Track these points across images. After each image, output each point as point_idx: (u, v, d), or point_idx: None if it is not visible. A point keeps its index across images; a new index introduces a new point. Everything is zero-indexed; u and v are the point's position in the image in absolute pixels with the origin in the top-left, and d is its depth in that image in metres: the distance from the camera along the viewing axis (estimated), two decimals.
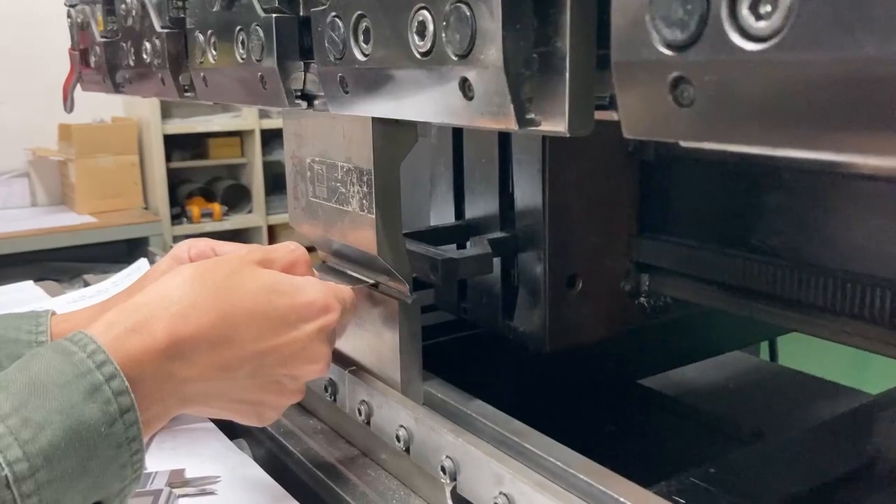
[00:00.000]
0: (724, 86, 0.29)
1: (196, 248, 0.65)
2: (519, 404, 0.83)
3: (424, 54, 0.44)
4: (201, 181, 3.43)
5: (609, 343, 0.81)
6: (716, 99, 0.30)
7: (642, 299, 0.68)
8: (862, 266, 0.55)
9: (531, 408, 0.83)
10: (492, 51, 0.39)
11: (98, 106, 3.21)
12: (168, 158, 3.20)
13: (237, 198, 3.42)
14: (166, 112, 3.18)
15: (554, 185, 0.62)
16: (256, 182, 3.34)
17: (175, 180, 3.29)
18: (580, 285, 0.65)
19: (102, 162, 3.10)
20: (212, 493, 0.64)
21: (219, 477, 0.65)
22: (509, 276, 0.67)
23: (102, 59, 1.04)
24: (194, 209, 3.27)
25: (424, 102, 0.46)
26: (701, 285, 0.64)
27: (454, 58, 0.42)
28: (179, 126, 3.20)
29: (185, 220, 3.28)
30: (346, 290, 0.57)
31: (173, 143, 3.24)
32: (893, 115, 0.24)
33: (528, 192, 0.63)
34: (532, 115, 0.41)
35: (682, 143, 0.33)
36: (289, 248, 0.57)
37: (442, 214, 0.73)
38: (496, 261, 0.66)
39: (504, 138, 0.65)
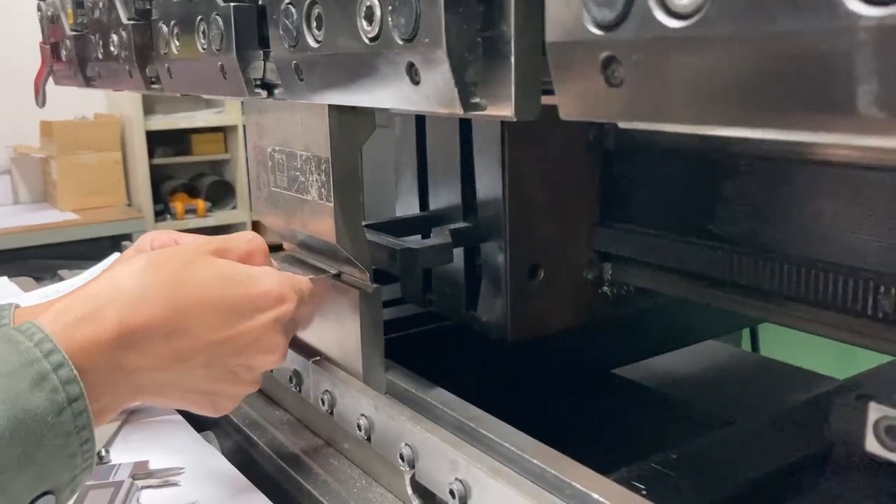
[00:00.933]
0: (652, 65, 0.29)
1: (159, 239, 0.65)
2: (492, 395, 0.83)
3: (372, 39, 0.44)
4: (185, 177, 3.42)
5: (582, 332, 0.82)
6: (644, 78, 0.30)
7: (605, 288, 0.69)
8: (824, 254, 0.55)
9: (504, 399, 0.83)
10: (435, 35, 0.39)
11: (81, 103, 3.19)
12: (151, 155, 3.19)
13: (221, 194, 3.42)
14: (149, 108, 3.16)
15: (514, 174, 0.62)
16: (240, 178, 3.33)
17: (159, 177, 3.28)
18: (542, 275, 0.65)
19: (84, 159, 3.09)
20: (175, 484, 0.64)
21: (183, 468, 0.65)
22: (472, 267, 0.67)
23: (73, 52, 1.03)
24: (178, 205, 3.26)
25: (375, 88, 0.46)
26: (663, 274, 0.64)
27: (400, 42, 0.42)
28: (162, 122, 3.19)
29: (168, 216, 3.27)
30: (303, 280, 0.57)
31: (157, 140, 3.22)
32: (810, 90, 0.25)
33: (488, 182, 0.63)
34: (478, 100, 0.41)
35: (621, 125, 0.33)
36: (246, 238, 0.57)
37: (407, 206, 0.73)
38: (459, 251, 0.66)
39: (465, 128, 0.65)
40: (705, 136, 0.63)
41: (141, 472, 0.64)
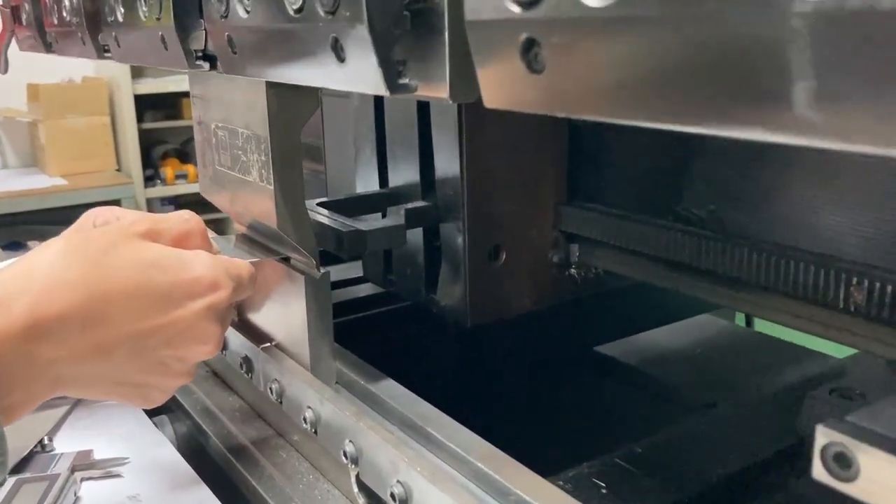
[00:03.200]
0: (572, 49, 0.25)
1: (102, 217, 0.61)
2: (466, 375, 0.80)
3: (297, 11, 0.40)
4: (175, 142, 3.36)
5: (561, 308, 0.78)
6: (566, 64, 0.26)
7: (573, 270, 0.65)
8: (795, 240, 0.52)
9: (477, 378, 0.80)
10: (355, 7, 0.35)
11: (69, 66, 3.13)
12: (140, 119, 3.13)
13: None
14: (137, 71, 3.10)
15: (472, 150, 0.58)
16: None
17: (148, 141, 3.23)
18: (504, 257, 0.61)
19: (72, 123, 3.03)
20: (117, 475, 0.61)
21: (127, 458, 0.62)
22: (432, 248, 0.63)
23: (32, 16, 0.99)
24: (168, 171, 3.22)
25: (303, 65, 0.42)
26: (632, 257, 0.60)
27: (323, 15, 0.38)
28: (151, 85, 3.13)
29: (158, 181, 3.22)
30: (241, 265, 0.53)
31: (147, 104, 3.17)
32: (741, 83, 0.21)
33: (445, 159, 0.59)
34: (406, 80, 0.37)
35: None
36: (182, 219, 0.53)
37: (367, 180, 0.69)
38: (419, 231, 0.63)
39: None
40: None
41: (83, 462, 0.61)
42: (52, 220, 2.99)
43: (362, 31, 0.35)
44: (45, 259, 0.46)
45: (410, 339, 0.78)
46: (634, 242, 0.58)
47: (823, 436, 0.29)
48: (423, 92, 0.38)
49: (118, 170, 3.19)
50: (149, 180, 3.19)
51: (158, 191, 3.20)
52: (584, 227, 0.62)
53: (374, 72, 0.36)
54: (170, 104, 3.26)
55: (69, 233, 0.61)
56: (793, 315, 0.51)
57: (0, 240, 2.92)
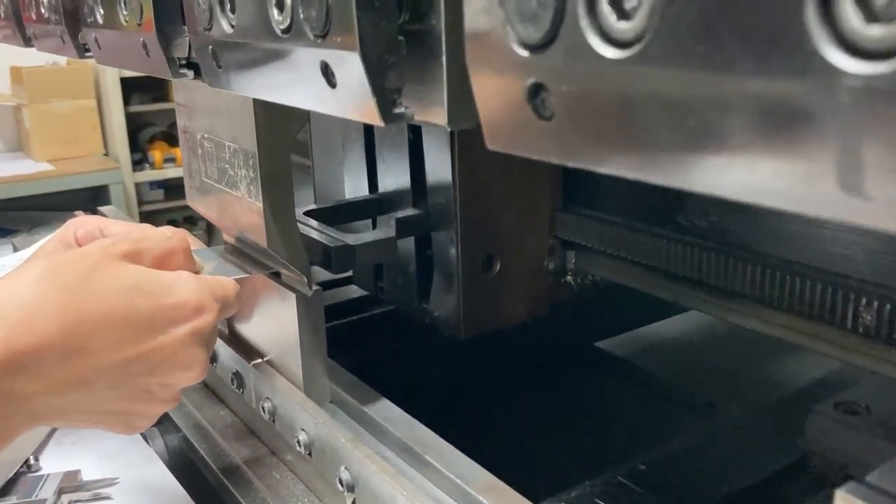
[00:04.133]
0: (584, 99, 0.24)
1: (84, 227, 0.59)
2: (461, 375, 0.79)
3: (285, 31, 0.38)
4: (163, 125, 3.31)
5: (562, 305, 0.77)
6: (576, 113, 0.24)
7: (569, 277, 0.63)
8: (801, 256, 0.50)
9: (474, 378, 0.79)
10: (347, 33, 0.33)
11: None
12: (127, 102, 3.08)
13: None
14: None
15: (465, 157, 0.56)
16: None
17: (136, 124, 3.18)
18: (498, 266, 0.59)
19: (58, 107, 2.98)
20: (107, 497, 0.59)
21: (116, 479, 0.61)
22: (424, 258, 0.61)
23: (10, 10, 0.96)
24: (156, 154, 3.17)
25: (292, 86, 0.40)
26: (629, 266, 0.59)
27: (312, 38, 0.36)
28: None
29: (147, 165, 3.18)
30: (227, 284, 0.51)
31: (132, 86, 3.11)
32: (776, 155, 0.19)
33: (437, 165, 0.57)
34: (402, 109, 0.35)
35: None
36: (164, 236, 0.50)
37: (356, 185, 0.67)
38: (410, 239, 0.61)
39: None
40: None
41: (70, 484, 0.60)
42: (38, 205, 2.96)
43: (354, 58, 0.33)
44: (22, 285, 0.44)
45: (401, 343, 0.76)
46: (633, 252, 0.56)
47: (843, 501, 0.27)
48: (420, 117, 0.36)
49: (105, 154, 3.15)
50: (137, 164, 3.15)
51: (147, 175, 3.16)
52: (581, 234, 0.60)
53: (368, 100, 0.34)
54: (157, 86, 3.20)
55: (49, 247, 0.59)
56: (798, 332, 0.50)
57: None
